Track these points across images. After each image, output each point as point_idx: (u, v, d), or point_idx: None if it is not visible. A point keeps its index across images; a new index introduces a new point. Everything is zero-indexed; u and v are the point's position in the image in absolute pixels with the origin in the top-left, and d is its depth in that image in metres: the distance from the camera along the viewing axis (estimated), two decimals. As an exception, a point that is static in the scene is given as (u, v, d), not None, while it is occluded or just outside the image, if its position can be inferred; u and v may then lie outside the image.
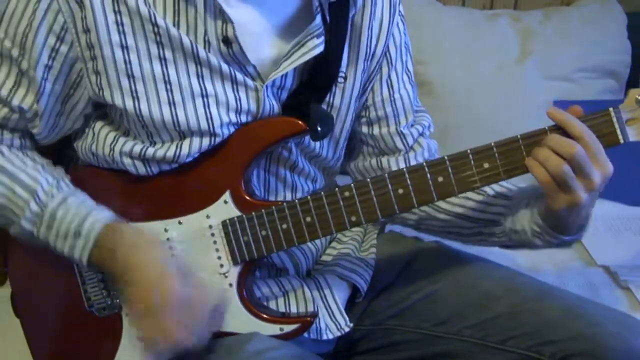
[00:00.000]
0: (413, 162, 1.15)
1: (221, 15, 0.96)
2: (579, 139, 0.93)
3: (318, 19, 1.00)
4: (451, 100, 1.91)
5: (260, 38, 1.02)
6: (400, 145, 1.15)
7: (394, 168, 1.15)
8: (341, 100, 1.09)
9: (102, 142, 1.04)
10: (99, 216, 1.00)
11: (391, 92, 1.14)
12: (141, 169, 1.02)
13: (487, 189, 1.12)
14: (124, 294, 1.01)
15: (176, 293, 0.95)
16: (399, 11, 1.13)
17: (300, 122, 1.00)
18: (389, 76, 1.14)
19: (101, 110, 1.05)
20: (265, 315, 1.04)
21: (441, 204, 1.15)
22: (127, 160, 1.01)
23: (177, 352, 0.96)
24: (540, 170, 0.95)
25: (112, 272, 1.01)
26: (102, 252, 0.99)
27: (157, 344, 0.97)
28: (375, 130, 1.16)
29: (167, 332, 0.95)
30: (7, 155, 1.03)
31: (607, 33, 1.97)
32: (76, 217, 0.99)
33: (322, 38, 1.01)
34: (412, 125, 1.17)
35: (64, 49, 0.97)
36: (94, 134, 1.05)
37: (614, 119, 0.93)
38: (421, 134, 1.18)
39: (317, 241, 1.18)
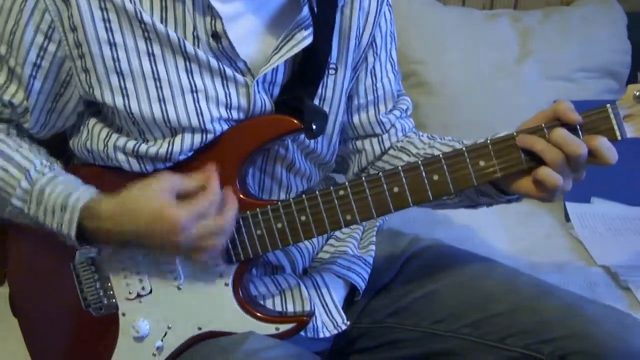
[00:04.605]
0: (387, 143, 1.19)
1: (210, 10, 0.96)
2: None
3: (305, 10, 1.01)
4: (451, 100, 1.91)
5: (249, 33, 1.02)
6: (378, 130, 1.18)
7: (369, 150, 1.19)
8: (333, 92, 1.10)
9: (96, 138, 1.04)
10: (84, 192, 0.99)
11: (374, 81, 1.16)
12: (135, 166, 1.02)
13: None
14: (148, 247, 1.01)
15: (180, 216, 0.93)
16: (387, 0, 1.14)
17: (295, 121, 1.00)
18: (374, 65, 1.15)
19: (94, 108, 1.05)
20: (260, 315, 1.03)
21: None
22: (121, 157, 1.02)
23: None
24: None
25: (111, 244, 1.02)
26: (90, 230, 0.99)
27: (205, 259, 0.99)
28: (355, 119, 1.17)
29: (205, 249, 0.96)
30: (2, 138, 1.04)
31: (607, 33, 1.97)
32: (62, 193, 0.99)
33: (310, 29, 1.01)
34: (390, 111, 1.18)
35: (52, 47, 0.97)
36: (88, 130, 1.05)
37: (612, 115, 0.91)
38: (398, 118, 1.19)
39: (314, 239, 1.17)
